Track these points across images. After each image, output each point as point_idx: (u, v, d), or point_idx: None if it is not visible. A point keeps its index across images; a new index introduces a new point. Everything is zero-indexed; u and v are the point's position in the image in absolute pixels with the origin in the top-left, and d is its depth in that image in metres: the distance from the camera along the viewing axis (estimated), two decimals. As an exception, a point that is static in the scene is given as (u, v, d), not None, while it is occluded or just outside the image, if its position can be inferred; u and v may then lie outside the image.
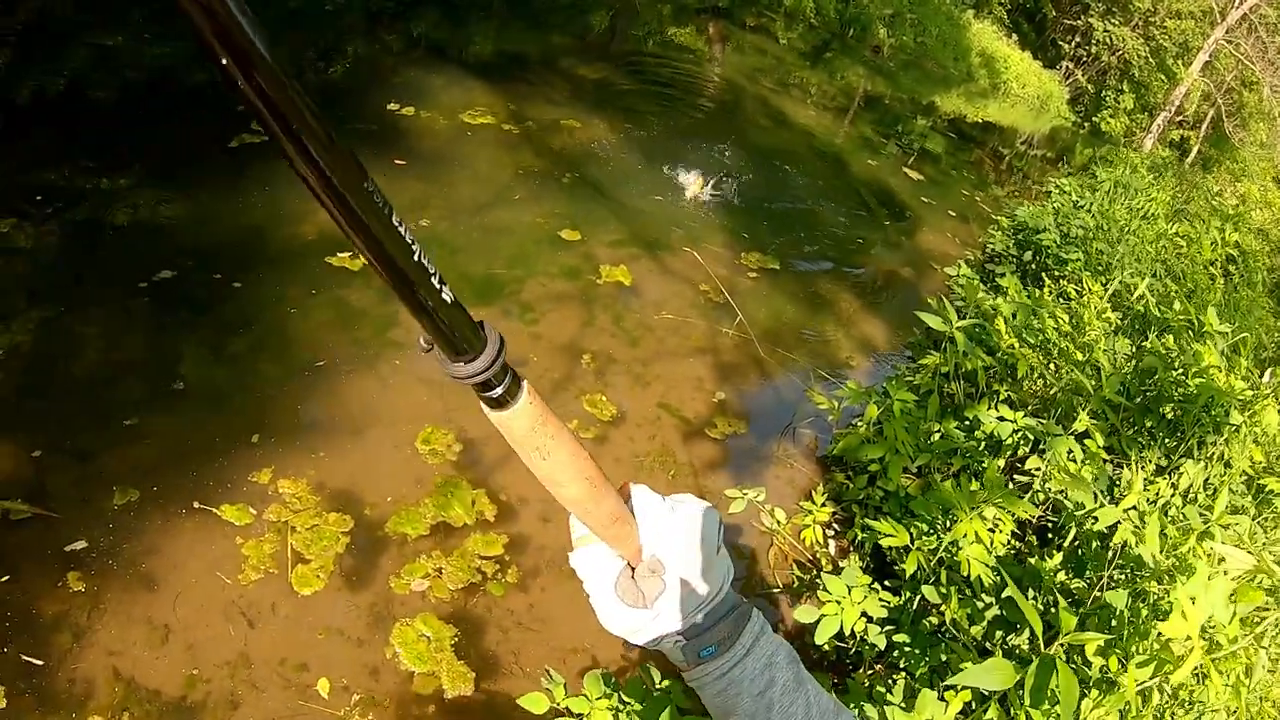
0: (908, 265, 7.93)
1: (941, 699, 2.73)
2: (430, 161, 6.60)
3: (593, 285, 5.69)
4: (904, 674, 3.26)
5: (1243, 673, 2.60)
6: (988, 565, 3.32)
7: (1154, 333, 5.49)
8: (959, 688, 2.70)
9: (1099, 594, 3.10)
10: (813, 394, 4.78)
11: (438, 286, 0.60)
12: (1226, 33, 20.41)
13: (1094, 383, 4.31)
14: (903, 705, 2.76)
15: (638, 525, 0.89)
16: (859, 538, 4.23)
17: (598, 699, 2.38)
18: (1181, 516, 3.58)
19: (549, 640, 3.55)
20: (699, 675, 0.92)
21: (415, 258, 0.57)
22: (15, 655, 3.09)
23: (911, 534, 3.48)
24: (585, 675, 2.46)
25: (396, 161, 6.36)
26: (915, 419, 4.20)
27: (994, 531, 3.61)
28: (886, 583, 3.69)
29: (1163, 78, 22.44)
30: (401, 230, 0.55)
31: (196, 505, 3.66)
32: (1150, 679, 2.51)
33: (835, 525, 4.41)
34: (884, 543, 3.47)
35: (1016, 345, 4.73)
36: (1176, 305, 5.64)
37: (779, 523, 4.20)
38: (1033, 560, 3.53)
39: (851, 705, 2.93)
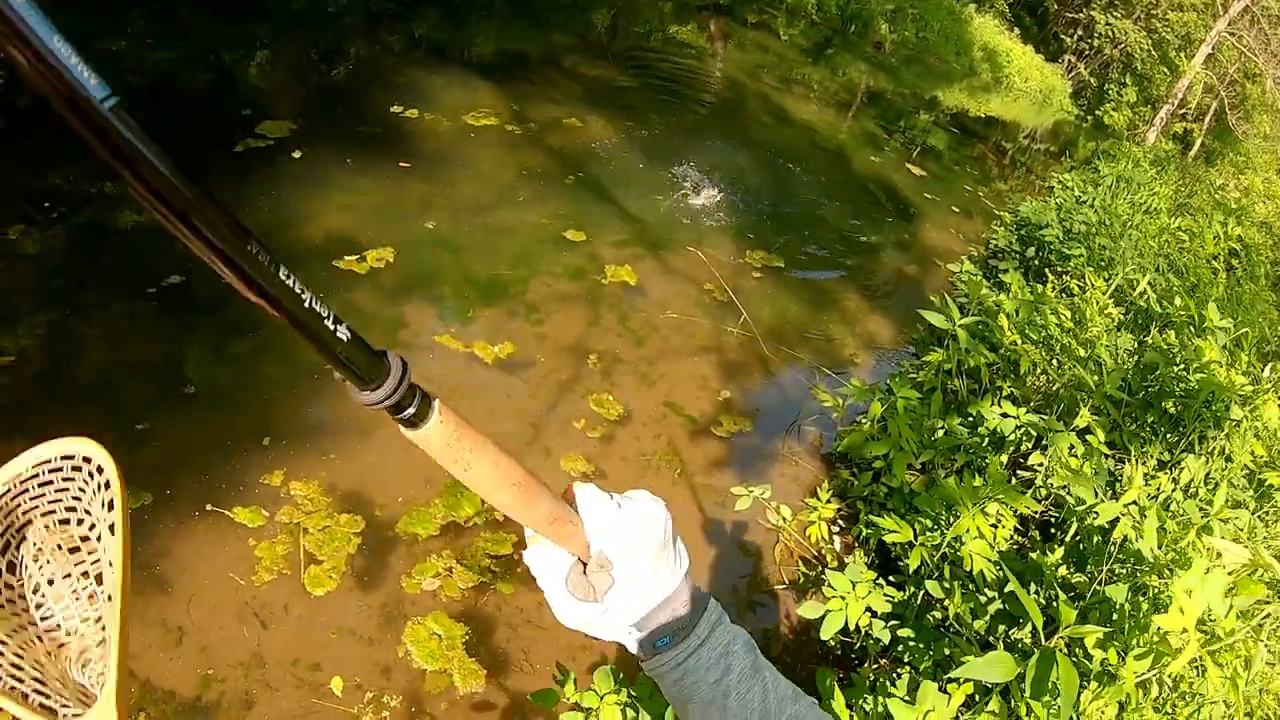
0: (912, 262, 7.95)
1: (944, 692, 2.77)
2: (434, 163, 6.64)
3: (598, 285, 5.73)
4: (908, 668, 3.29)
5: (1241, 665, 2.64)
6: (990, 560, 3.36)
7: (1156, 328, 5.52)
8: (961, 680, 2.74)
9: (1099, 588, 3.13)
10: (817, 391, 4.82)
11: (333, 327, 0.63)
12: (1228, 25, 20.40)
13: (1096, 379, 4.35)
14: (905, 698, 2.79)
15: (583, 523, 0.90)
16: (864, 534, 4.26)
17: (607, 694, 2.41)
18: (1181, 511, 3.61)
19: (558, 637, 3.59)
20: (655, 665, 0.94)
21: (307, 305, 0.60)
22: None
23: (915, 530, 3.51)
24: (595, 671, 2.50)
25: (401, 164, 6.40)
26: (919, 416, 4.24)
27: (996, 527, 3.65)
28: (891, 578, 3.73)
29: (1165, 70, 22.45)
30: (291, 283, 0.59)
31: (209, 508, 3.70)
32: (1149, 671, 2.55)
33: (840, 521, 4.45)
34: (888, 538, 3.51)
35: (1019, 342, 4.76)
36: (1178, 301, 5.67)
37: (784, 520, 4.24)
38: (1035, 555, 3.56)
39: (855, 699, 2.97)
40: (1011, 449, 4.20)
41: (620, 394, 4.83)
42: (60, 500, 0.95)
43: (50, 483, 0.95)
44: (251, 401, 4.23)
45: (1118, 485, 3.93)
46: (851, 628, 3.30)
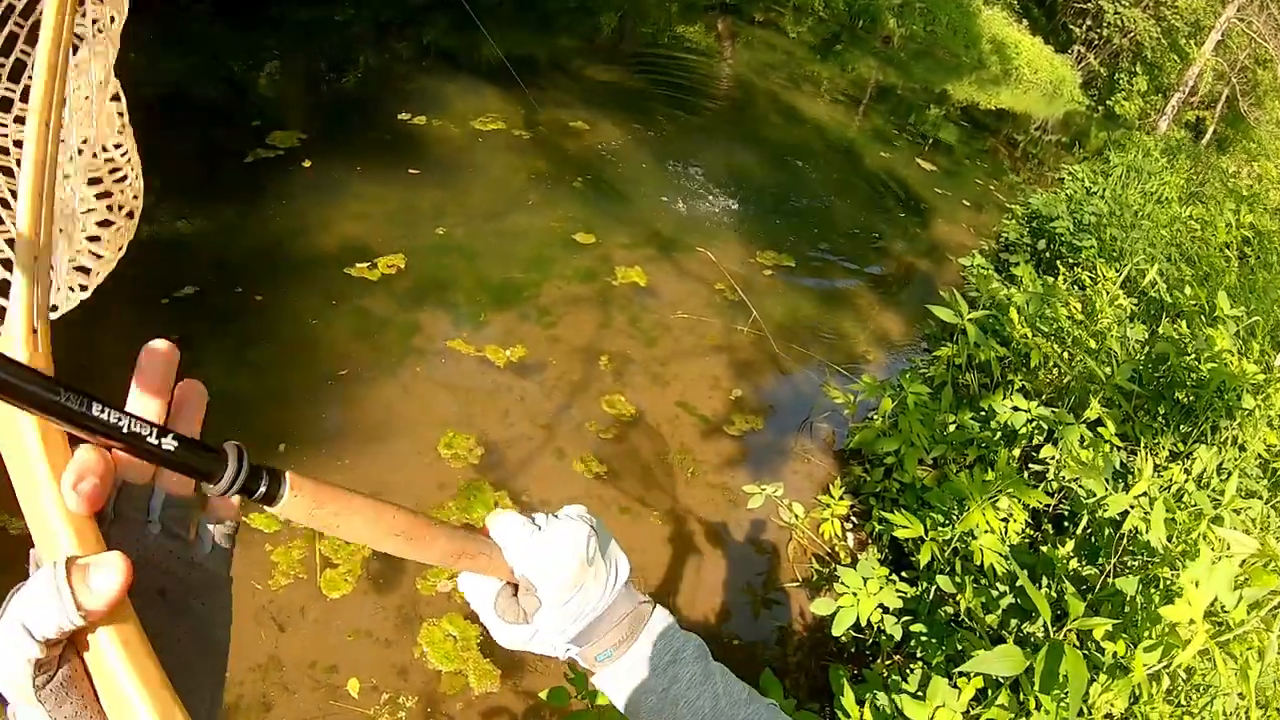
0: (923, 257, 7.94)
1: (954, 687, 2.78)
2: (444, 169, 6.67)
3: (609, 287, 5.75)
4: (921, 663, 3.30)
5: (1254, 656, 2.64)
6: (1000, 554, 3.37)
7: (1167, 318, 5.52)
8: (970, 675, 2.75)
9: (1110, 580, 3.14)
10: (829, 388, 4.83)
11: (157, 441, 0.62)
12: (1238, 10, 20.26)
13: (1107, 370, 4.35)
14: (917, 694, 2.80)
15: (503, 551, 0.89)
16: (876, 530, 4.27)
17: (613, 695, 2.43)
18: (1193, 502, 3.61)
19: (572, 636, 3.61)
20: (600, 679, 0.95)
21: (125, 430, 0.61)
22: None
23: (926, 525, 3.52)
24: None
25: (410, 171, 6.43)
26: (930, 411, 4.25)
27: (1007, 521, 3.66)
28: (904, 574, 3.74)
29: (1175, 58, 22.32)
30: (106, 415, 0.61)
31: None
32: (1159, 663, 2.55)
33: (854, 518, 4.46)
34: (898, 534, 3.52)
35: (1030, 335, 4.76)
36: (1189, 290, 5.66)
37: (797, 517, 4.26)
38: (1046, 549, 3.57)
39: (867, 695, 2.98)
40: (1023, 443, 4.20)
41: (632, 394, 4.85)
42: None
43: None
44: (267, 409, 4.27)
45: (1130, 477, 3.93)
46: (863, 624, 3.31)
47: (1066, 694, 2.32)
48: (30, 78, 0.69)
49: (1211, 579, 2.37)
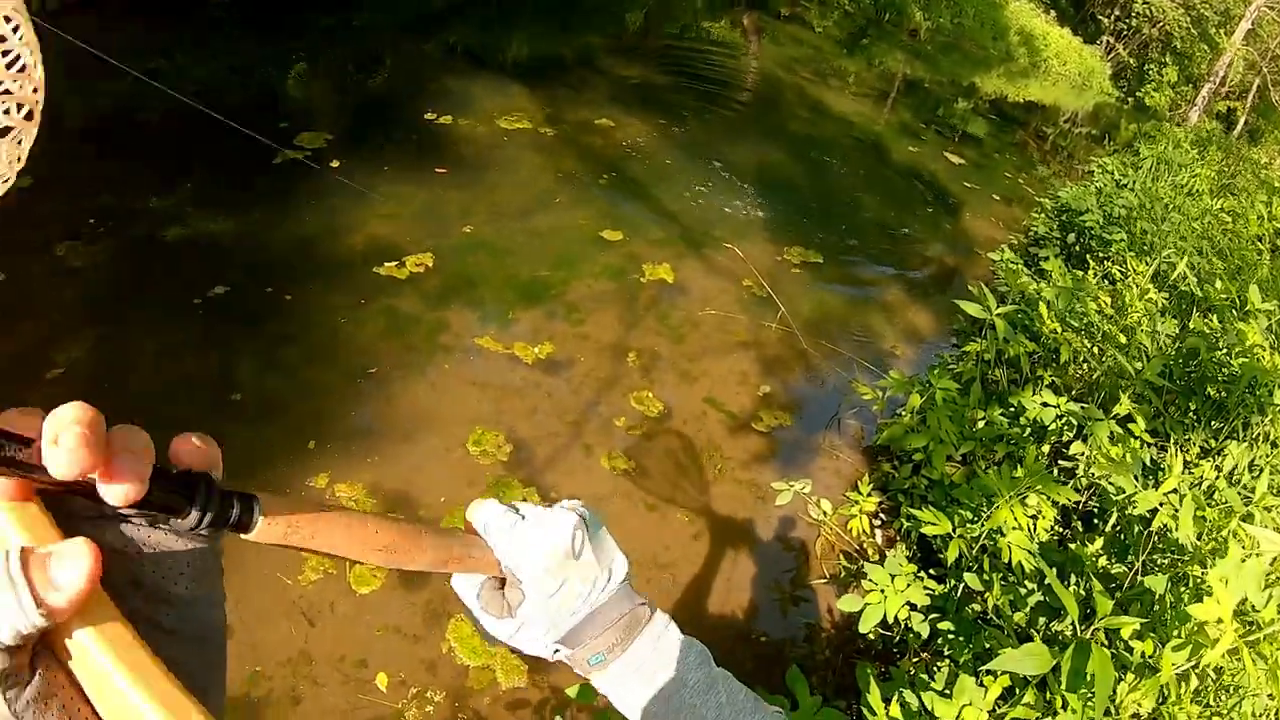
0: (952, 252, 7.89)
1: (981, 685, 2.77)
2: (471, 168, 6.70)
3: (637, 284, 5.76)
4: (948, 662, 3.30)
5: (1286, 654, 2.61)
6: (1029, 551, 3.36)
7: (1198, 312, 5.47)
8: (997, 673, 2.74)
9: (1139, 579, 3.12)
10: (857, 385, 4.82)
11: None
12: None
13: (1137, 365, 4.32)
14: (943, 692, 2.80)
15: (488, 543, 0.88)
16: (905, 527, 4.26)
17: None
18: (1224, 499, 3.58)
19: (601, 634, 3.62)
20: (596, 684, 0.92)
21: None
22: None
23: (954, 522, 3.51)
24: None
25: (438, 170, 6.46)
26: (959, 407, 4.23)
27: (1036, 518, 3.64)
28: (932, 571, 3.73)
29: (1205, 48, 22.14)
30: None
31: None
32: (1187, 663, 2.54)
33: (882, 515, 4.45)
34: (926, 531, 3.51)
35: (1059, 330, 4.74)
36: (1220, 284, 5.61)
37: (825, 514, 4.25)
38: (1075, 546, 3.55)
39: (894, 692, 2.98)
40: (1053, 439, 4.19)
41: (660, 391, 4.86)
42: None
43: None
44: (297, 407, 4.31)
45: (1159, 474, 3.90)
46: (890, 621, 3.31)
47: (1093, 693, 2.32)
48: None
49: (1241, 577, 2.36)
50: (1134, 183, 8.91)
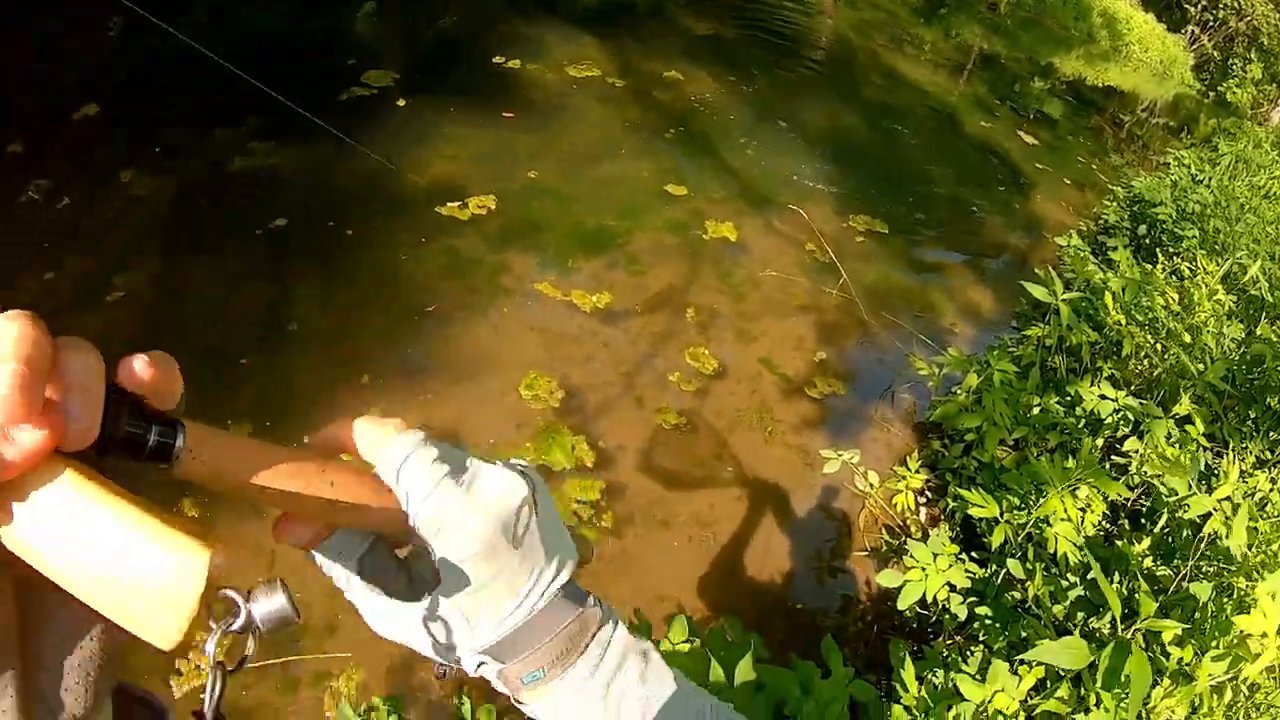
0: (1019, 232, 7.76)
1: (1014, 674, 2.77)
2: (538, 114, 6.68)
3: (699, 240, 5.73)
4: (982, 646, 3.29)
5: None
6: (1075, 544, 3.33)
7: (1267, 319, 5.36)
8: (1033, 663, 2.73)
9: (1184, 584, 3.09)
10: (914, 359, 4.78)
11: None
12: (1363, 0, 19.49)
13: (1200, 366, 4.25)
14: (975, 676, 2.80)
15: (389, 484, 0.66)
16: (950, 507, 4.24)
17: (680, 642, 2.45)
18: (1276, 511, 3.53)
19: (637, 585, 3.65)
20: (530, 709, 0.71)
21: None
22: None
23: (1002, 507, 3.49)
24: (671, 620, 2.53)
25: (504, 114, 6.45)
26: (1015, 391, 4.19)
27: (1085, 511, 3.61)
28: (974, 554, 3.71)
29: (1294, 47, 21.55)
30: None
31: (307, 440, 3.82)
32: (1225, 674, 2.52)
33: (928, 492, 4.43)
34: (973, 513, 3.48)
35: (1124, 322, 4.67)
36: (1292, 291, 5.50)
37: (872, 486, 4.23)
38: (1121, 543, 3.52)
39: (926, 672, 2.98)
40: (1107, 433, 4.14)
41: (716, 349, 4.85)
42: None
43: None
44: (353, 341, 4.36)
45: (1213, 479, 3.85)
46: (929, 600, 3.30)
47: (1127, 694, 2.30)
48: None
49: (1292, 594, 2.33)
50: (1210, 179, 8.70)
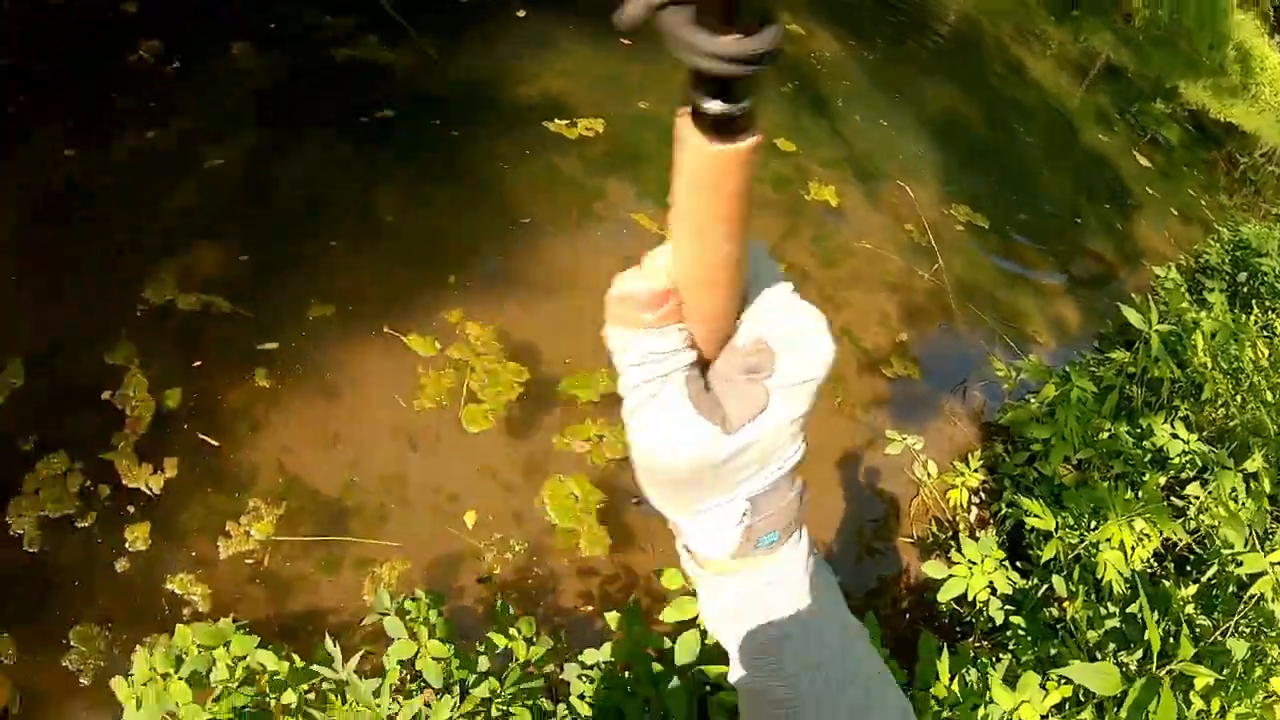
0: (1118, 254, 7.58)
1: (1043, 688, 2.77)
2: (656, 46, 6.55)
3: (800, 199, 5.67)
4: (1010, 656, 3.29)
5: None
6: (1123, 574, 3.31)
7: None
8: (1063, 680, 2.73)
9: (1221, 637, 3.07)
10: (994, 359, 4.73)
11: None
12: None
13: (1277, 426, 4.19)
14: (1003, 681, 2.80)
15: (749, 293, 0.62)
16: (1002, 512, 4.22)
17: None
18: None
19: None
20: (745, 569, 0.68)
21: None
22: (193, 434, 3.39)
23: (1057, 523, 3.48)
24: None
25: (623, 40, 6.38)
26: (1089, 411, 4.14)
27: (1138, 545, 3.58)
28: (1017, 564, 3.70)
29: None
30: None
31: (386, 330, 3.88)
32: (1246, 734, 2.52)
33: (982, 494, 4.40)
34: (1030, 523, 3.48)
35: (1209, 366, 4.59)
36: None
37: (930, 476, 4.23)
38: (1166, 584, 3.50)
39: (957, 669, 2.98)
40: (1172, 472, 4.09)
41: (801, 308, 4.80)
42: None
43: None
44: (444, 240, 4.39)
45: (1270, 541, 3.80)
46: (970, 599, 3.31)
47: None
48: None
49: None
50: (1322, 240, 8.47)
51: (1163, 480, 4.08)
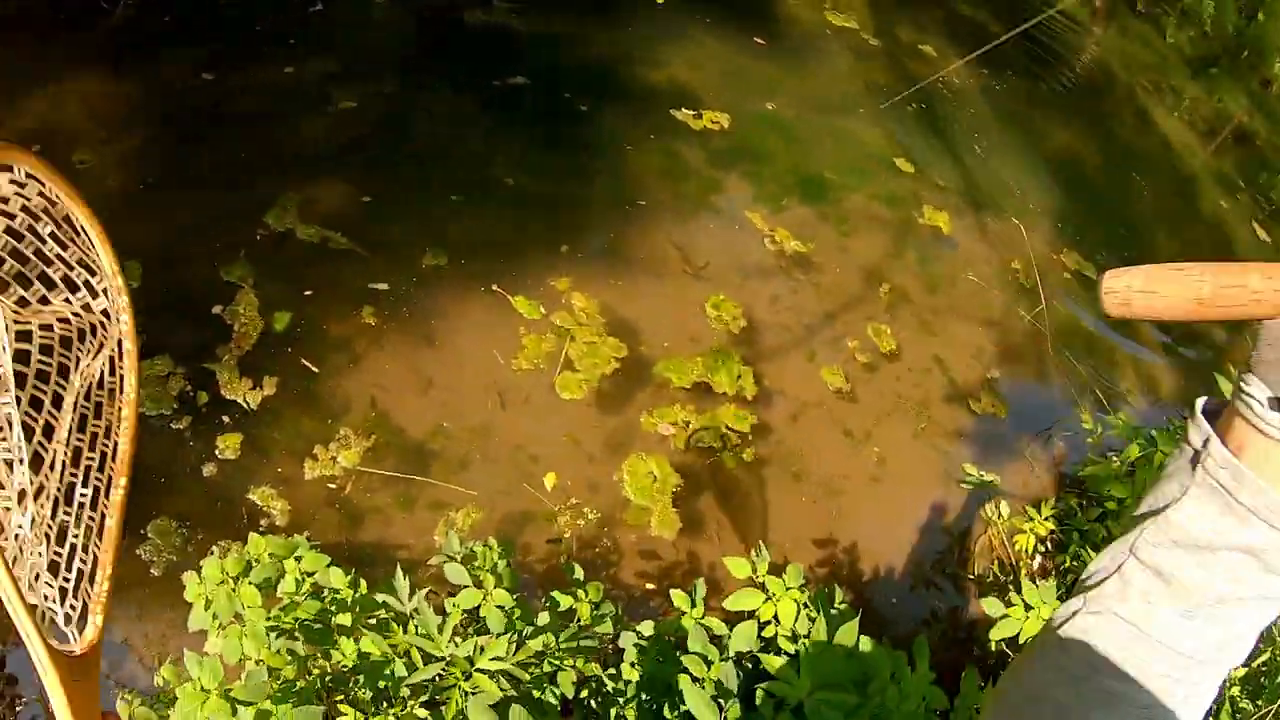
0: (1220, 327, 7.47)
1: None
2: (789, 50, 6.59)
3: (911, 221, 5.63)
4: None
5: None
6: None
7: None
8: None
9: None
10: (1083, 410, 4.69)
11: None
12: None
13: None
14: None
15: None
16: (1066, 565, 4.18)
17: (792, 589, 2.48)
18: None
19: (753, 525, 3.75)
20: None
21: None
22: (296, 357, 3.53)
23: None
24: (788, 565, 2.55)
25: (757, 40, 6.39)
26: (1170, 477, 4.09)
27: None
28: (1076, 617, 3.66)
29: None
30: None
31: (495, 288, 3.98)
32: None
33: (1049, 544, 4.36)
34: (1097, 579, 3.44)
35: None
36: None
37: (1000, 516, 4.20)
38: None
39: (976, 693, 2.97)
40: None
41: (897, 330, 4.81)
42: None
43: None
44: (559, 210, 4.50)
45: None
46: (1021, 642, 3.29)
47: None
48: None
49: None
50: None
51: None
